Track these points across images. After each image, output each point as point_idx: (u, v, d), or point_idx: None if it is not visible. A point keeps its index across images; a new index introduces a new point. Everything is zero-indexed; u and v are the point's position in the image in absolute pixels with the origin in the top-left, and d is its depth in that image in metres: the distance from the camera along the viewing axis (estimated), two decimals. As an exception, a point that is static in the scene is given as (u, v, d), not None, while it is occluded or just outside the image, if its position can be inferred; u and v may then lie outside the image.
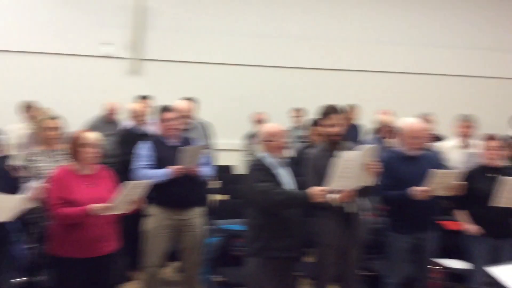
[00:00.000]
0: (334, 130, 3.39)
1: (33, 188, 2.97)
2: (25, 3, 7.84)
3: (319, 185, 3.36)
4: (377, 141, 5.26)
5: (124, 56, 8.18)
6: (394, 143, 5.03)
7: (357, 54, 8.98)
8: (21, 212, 3.00)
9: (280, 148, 3.24)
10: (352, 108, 6.94)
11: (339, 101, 4.04)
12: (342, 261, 3.51)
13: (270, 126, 3.31)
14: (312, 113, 7.13)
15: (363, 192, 3.35)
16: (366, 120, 6.97)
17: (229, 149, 8.07)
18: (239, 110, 8.52)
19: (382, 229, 3.88)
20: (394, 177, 3.60)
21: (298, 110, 7.08)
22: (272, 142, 3.23)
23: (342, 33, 9.00)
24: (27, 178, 3.69)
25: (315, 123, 4.49)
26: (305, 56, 8.88)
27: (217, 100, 8.49)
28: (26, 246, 3.72)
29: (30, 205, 3.04)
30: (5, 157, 4.58)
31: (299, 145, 6.61)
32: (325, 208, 3.26)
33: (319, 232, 3.45)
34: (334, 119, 3.41)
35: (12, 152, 5.28)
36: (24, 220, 3.10)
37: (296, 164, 4.45)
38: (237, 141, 7.98)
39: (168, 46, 8.35)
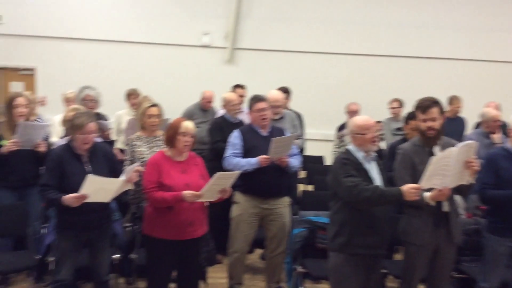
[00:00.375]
0: (431, 125, 3.20)
1: (131, 171, 3.16)
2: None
3: (410, 182, 3.23)
4: (482, 136, 4.90)
5: (221, 46, 8.42)
6: (501, 139, 4.66)
7: (459, 41, 8.43)
8: (120, 193, 3.22)
9: (370, 142, 3.11)
10: (455, 100, 6.51)
11: (439, 92, 3.83)
12: (433, 262, 3.35)
13: (361, 119, 3.18)
14: (410, 105, 6.85)
15: (460, 190, 3.15)
16: (470, 113, 6.50)
17: (320, 139, 8.05)
18: (332, 100, 8.41)
19: (478, 230, 3.63)
20: (498, 176, 3.38)
21: (395, 101, 6.79)
22: (362, 135, 3.11)
23: (441, 20, 8.49)
24: (128, 162, 3.96)
25: (412, 116, 4.27)
26: (401, 44, 8.53)
27: (311, 89, 8.46)
28: (123, 225, 4.00)
29: (128, 187, 3.25)
30: (112, 142, 4.94)
31: (394, 138, 6.39)
32: (416, 206, 3.11)
33: (409, 231, 3.30)
34: (432, 113, 3.20)
35: (117, 136, 5.69)
36: (121, 201, 3.31)
37: (388, 159, 4.30)
38: (328, 131, 7.88)
39: (263, 35, 8.45)
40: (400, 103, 6.75)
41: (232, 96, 5.03)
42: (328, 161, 6.78)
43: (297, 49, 8.49)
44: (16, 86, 8.21)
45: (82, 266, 3.40)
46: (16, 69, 8.27)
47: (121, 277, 4.06)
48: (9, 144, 3.75)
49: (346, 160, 3.08)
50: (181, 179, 3.25)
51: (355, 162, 3.09)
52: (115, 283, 3.87)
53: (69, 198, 2.97)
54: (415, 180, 3.17)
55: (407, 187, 2.91)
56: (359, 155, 3.13)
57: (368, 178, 3.07)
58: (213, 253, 3.87)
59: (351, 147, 3.18)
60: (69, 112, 3.90)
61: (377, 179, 3.14)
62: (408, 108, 6.65)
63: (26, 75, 8.26)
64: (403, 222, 3.37)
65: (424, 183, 2.91)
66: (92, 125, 3.20)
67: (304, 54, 8.52)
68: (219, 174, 3.12)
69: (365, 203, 2.97)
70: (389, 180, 3.36)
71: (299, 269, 3.78)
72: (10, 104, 3.89)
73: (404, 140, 4.33)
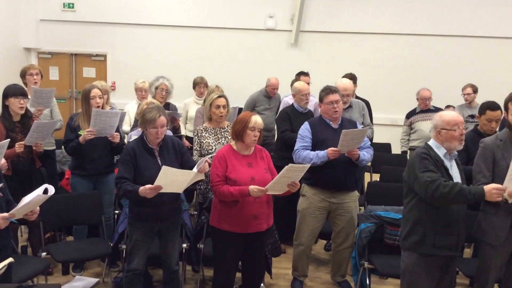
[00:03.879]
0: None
1: (201, 163, 3.18)
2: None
3: (490, 177, 3.07)
4: None
5: (286, 29, 8.30)
6: None
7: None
8: (190, 184, 3.26)
9: (458, 139, 2.93)
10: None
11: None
12: (510, 264, 3.20)
13: (450, 114, 2.98)
14: (483, 89, 6.46)
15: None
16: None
17: (387, 124, 7.81)
18: (401, 83, 8.13)
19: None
20: None
21: (469, 87, 6.42)
22: (449, 131, 2.93)
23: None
24: (196, 152, 4.02)
25: (489, 106, 4.01)
26: (474, 24, 8.00)
27: (378, 71, 8.19)
28: (190, 215, 4.06)
29: (200, 178, 3.28)
30: (181, 136, 5.00)
31: (467, 125, 6.07)
32: (494, 203, 2.93)
33: (486, 230, 3.15)
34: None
35: (183, 124, 5.78)
36: (187, 189, 3.33)
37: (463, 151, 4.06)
38: (396, 116, 7.64)
39: (328, 17, 8.23)
40: (474, 89, 6.38)
41: (303, 86, 4.90)
42: (396, 149, 6.57)
43: (363, 31, 8.20)
44: (88, 72, 8.58)
45: (153, 254, 3.51)
46: (88, 55, 8.59)
47: (189, 265, 4.17)
48: (85, 133, 3.89)
49: (425, 155, 2.91)
50: (246, 173, 3.25)
51: (436, 158, 2.92)
52: (182, 271, 3.95)
53: (144, 189, 3.03)
54: (495, 175, 3.03)
55: (490, 187, 2.75)
56: (441, 151, 2.96)
57: (447, 176, 2.90)
58: (278, 244, 3.88)
59: (431, 142, 3.02)
60: (145, 105, 3.95)
61: (457, 178, 2.98)
62: (482, 92, 6.31)
63: (98, 61, 8.57)
64: (479, 220, 3.22)
65: (508, 183, 2.74)
66: (162, 119, 3.23)
67: (371, 35, 8.22)
68: (289, 166, 3.05)
69: (442, 200, 2.80)
70: (466, 175, 3.18)
71: (366, 265, 3.71)
72: (86, 96, 4.03)
73: (476, 130, 4.07)
